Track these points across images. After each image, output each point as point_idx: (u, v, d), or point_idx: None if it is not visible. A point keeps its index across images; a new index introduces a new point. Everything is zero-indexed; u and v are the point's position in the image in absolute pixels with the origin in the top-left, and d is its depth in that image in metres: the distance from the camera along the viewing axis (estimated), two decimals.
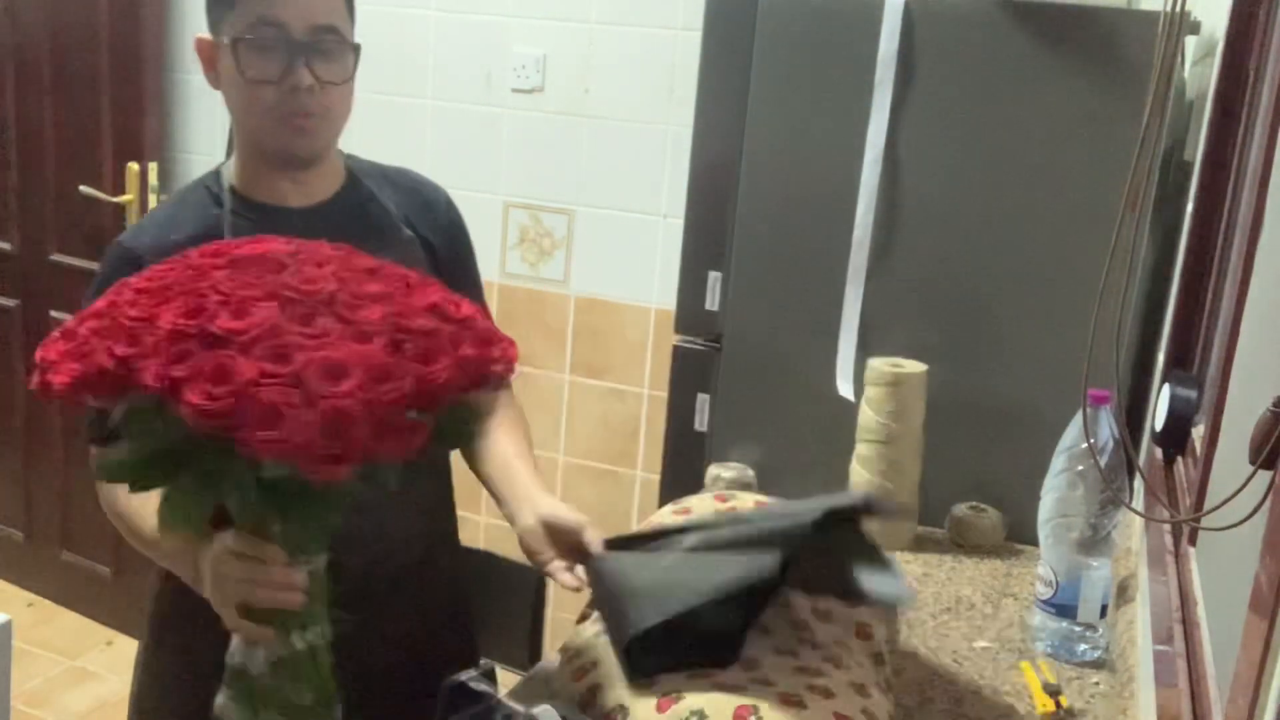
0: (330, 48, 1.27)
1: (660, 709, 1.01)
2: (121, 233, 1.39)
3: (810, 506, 1.12)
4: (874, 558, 1.14)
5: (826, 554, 1.13)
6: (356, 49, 1.30)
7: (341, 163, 1.41)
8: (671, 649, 1.07)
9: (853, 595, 1.14)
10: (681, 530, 1.20)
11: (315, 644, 0.99)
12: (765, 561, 1.06)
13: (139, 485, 0.95)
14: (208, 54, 1.31)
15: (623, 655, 1.09)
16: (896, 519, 1.21)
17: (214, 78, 1.32)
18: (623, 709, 1.04)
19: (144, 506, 1.19)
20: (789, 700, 1.01)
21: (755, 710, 0.99)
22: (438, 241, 1.44)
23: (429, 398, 0.89)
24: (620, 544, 1.23)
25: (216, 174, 1.37)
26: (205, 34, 1.31)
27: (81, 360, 0.88)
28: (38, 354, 0.94)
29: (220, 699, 1.00)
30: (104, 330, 0.89)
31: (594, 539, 1.22)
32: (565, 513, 1.26)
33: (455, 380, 0.90)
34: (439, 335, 0.91)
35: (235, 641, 1.01)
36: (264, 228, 1.24)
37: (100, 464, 0.98)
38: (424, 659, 1.38)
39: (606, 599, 1.17)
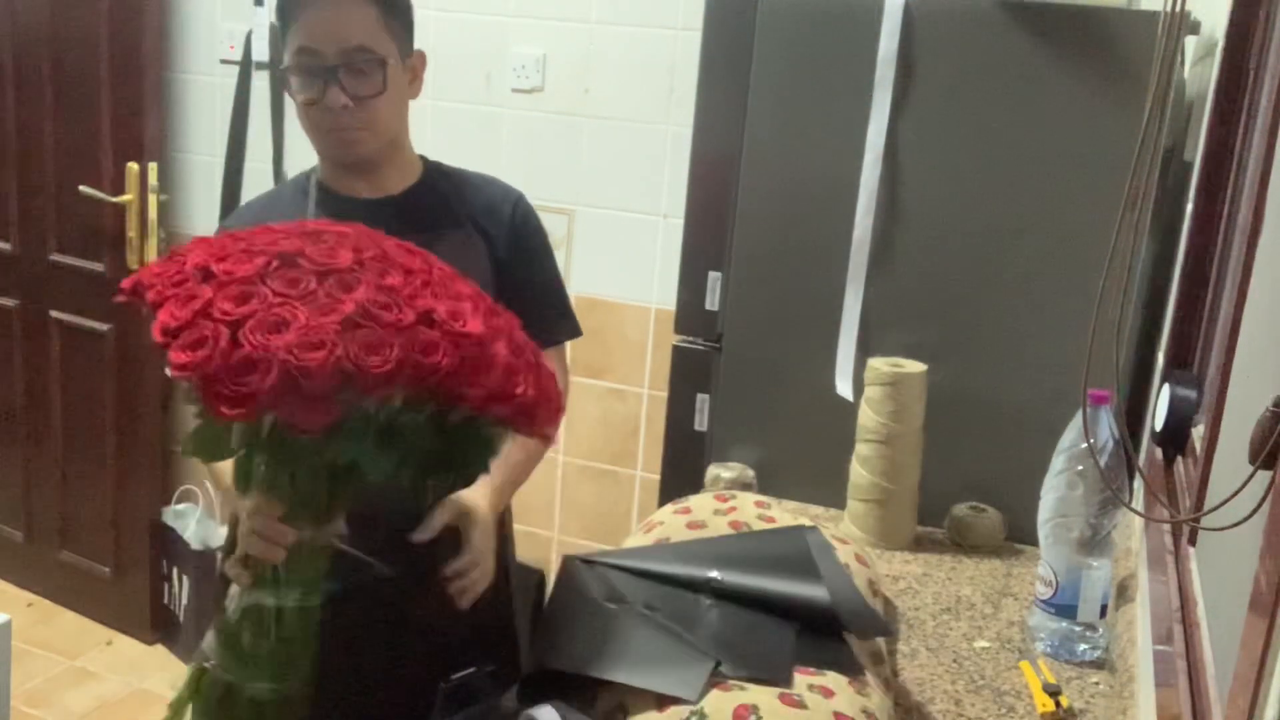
0: (362, 66, 1.38)
1: (660, 709, 1.01)
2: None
3: (790, 591, 1.15)
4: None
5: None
6: (387, 63, 1.40)
7: (419, 164, 1.54)
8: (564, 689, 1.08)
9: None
10: (665, 576, 1.19)
11: (285, 609, 1.04)
12: (690, 675, 1.04)
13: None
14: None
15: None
16: (872, 635, 1.20)
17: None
18: (622, 709, 1.04)
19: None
20: (789, 700, 1.01)
21: (755, 710, 0.99)
22: (500, 238, 1.54)
23: (362, 382, 0.92)
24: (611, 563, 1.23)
25: (311, 170, 1.52)
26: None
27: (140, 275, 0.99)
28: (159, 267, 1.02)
29: (208, 636, 1.07)
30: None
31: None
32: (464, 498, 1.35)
33: (395, 374, 0.93)
34: (402, 332, 0.94)
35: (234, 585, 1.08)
36: (338, 215, 1.36)
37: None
38: (457, 634, 1.40)
39: (549, 611, 1.18)
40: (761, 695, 1.01)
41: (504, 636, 1.58)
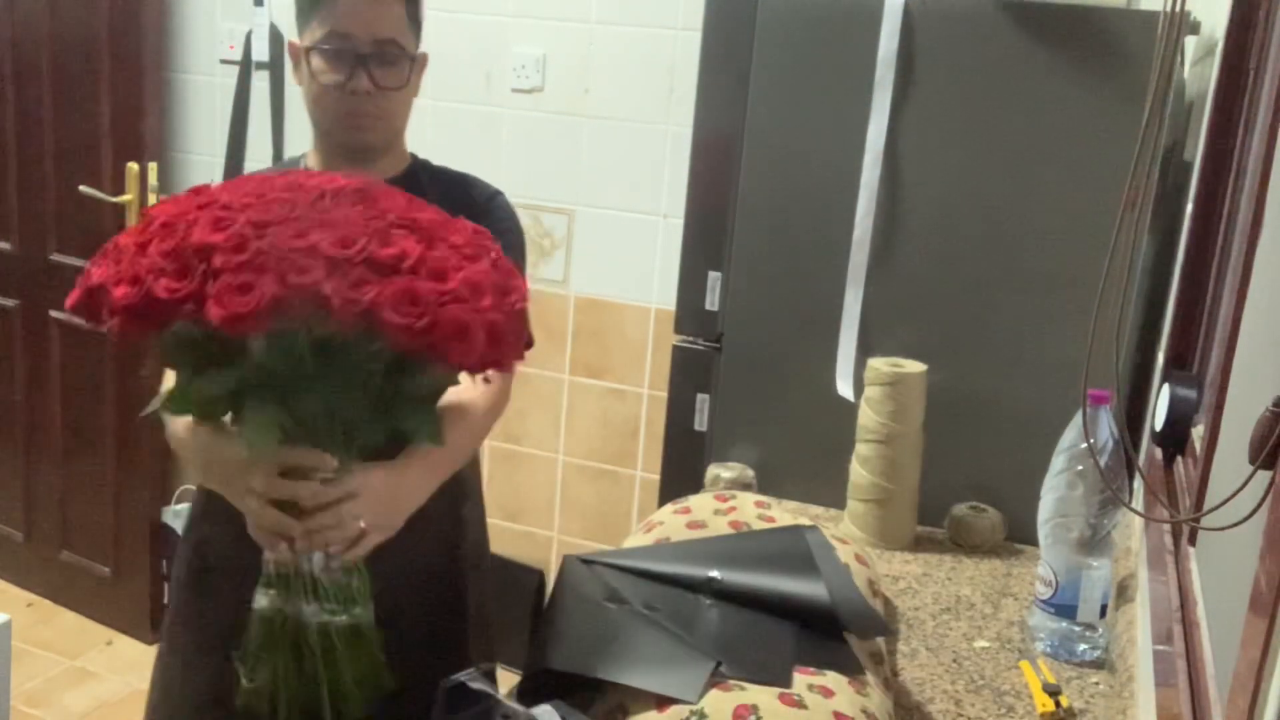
0: (391, 58, 1.43)
1: (660, 709, 1.01)
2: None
3: (791, 590, 1.15)
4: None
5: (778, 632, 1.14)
6: (414, 59, 1.46)
7: (408, 158, 1.57)
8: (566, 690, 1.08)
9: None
10: (664, 576, 1.19)
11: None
12: (690, 676, 1.04)
13: (214, 413, 1.11)
14: (295, 55, 1.47)
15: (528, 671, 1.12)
16: (872, 635, 1.19)
17: (298, 75, 1.48)
18: (623, 709, 1.04)
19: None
20: (789, 700, 1.01)
21: (755, 709, 0.99)
22: None
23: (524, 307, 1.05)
24: (609, 561, 1.23)
25: (300, 157, 1.55)
26: (294, 40, 1.48)
27: (246, 293, 0.94)
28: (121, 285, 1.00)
29: (265, 602, 1.09)
30: (250, 263, 0.95)
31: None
32: None
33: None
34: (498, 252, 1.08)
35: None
36: None
37: (176, 399, 1.09)
38: (405, 615, 1.36)
39: (550, 611, 1.18)
40: (761, 695, 1.01)
41: (454, 640, 1.53)
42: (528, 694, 1.08)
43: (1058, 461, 1.43)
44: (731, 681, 1.03)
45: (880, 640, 1.23)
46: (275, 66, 3.03)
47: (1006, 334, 1.79)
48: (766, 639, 1.11)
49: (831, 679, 1.06)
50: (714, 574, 1.17)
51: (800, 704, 1.00)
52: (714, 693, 1.01)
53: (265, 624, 1.09)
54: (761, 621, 1.13)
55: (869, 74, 1.78)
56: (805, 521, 1.32)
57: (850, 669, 1.09)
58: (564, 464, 3.01)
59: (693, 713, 0.99)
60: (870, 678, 1.11)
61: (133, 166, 3.00)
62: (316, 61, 1.42)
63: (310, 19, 1.43)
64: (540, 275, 2.93)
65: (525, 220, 3.05)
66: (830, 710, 1.01)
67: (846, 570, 1.24)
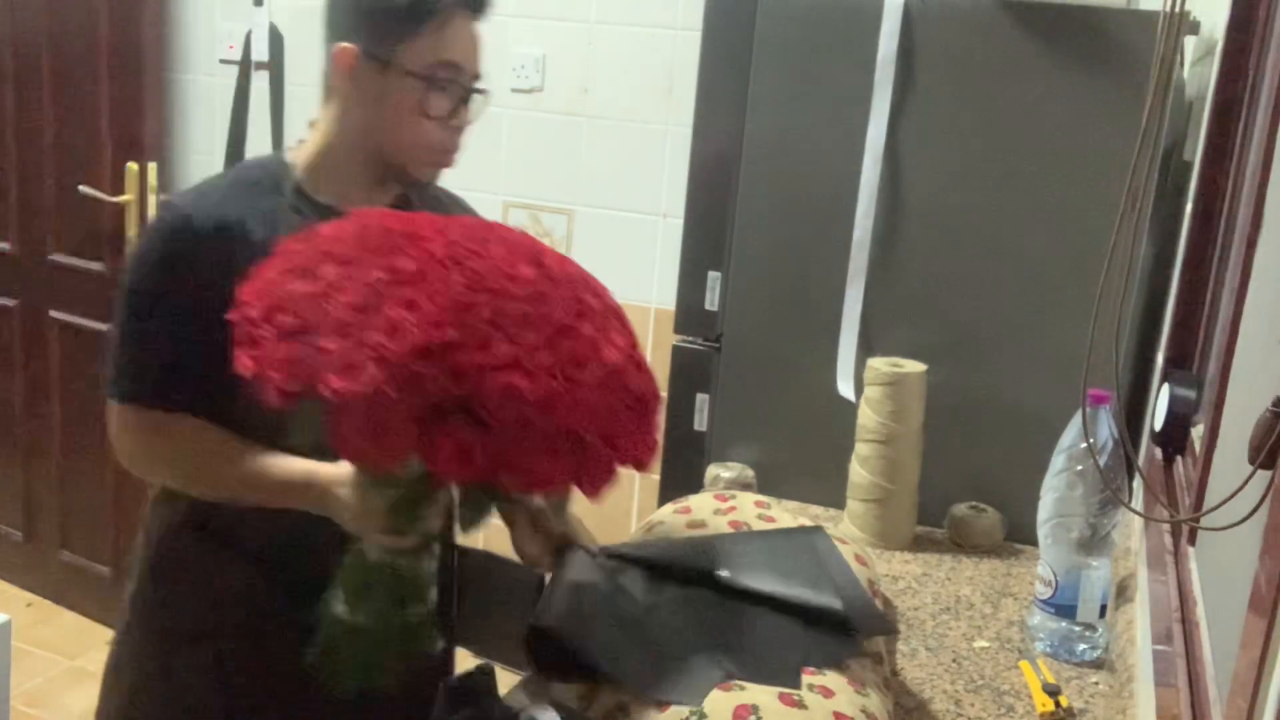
0: (478, 94, 1.35)
1: (660, 708, 1.01)
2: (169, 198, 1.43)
3: (796, 592, 1.15)
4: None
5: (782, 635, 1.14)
6: (487, 97, 1.36)
7: None
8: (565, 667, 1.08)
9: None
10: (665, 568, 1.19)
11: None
12: (698, 682, 1.04)
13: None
14: (350, 65, 1.30)
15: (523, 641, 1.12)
16: (875, 634, 1.19)
17: (352, 92, 1.31)
18: (622, 709, 1.04)
19: (226, 448, 1.30)
20: (789, 700, 1.01)
21: (755, 710, 0.99)
22: None
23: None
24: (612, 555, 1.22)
25: (281, 163, 1.36)
26: (347, 44, 1.29)
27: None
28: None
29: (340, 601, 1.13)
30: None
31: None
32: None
33: None
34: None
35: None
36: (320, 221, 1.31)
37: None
38: None
39: (548, 592, 1.18)
40: (761, 695, 1.01)
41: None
42: (528, 694, 1.08)
43: (1058, 461, 1.43)
44: (731, 681, 1.03)
45: (880, 640, 1.23)
46: (275, 66, 3.03)
47: (1006, 334, 1.79)
48: (775, 640, 1.11)
49: (831, 679, 1.06)
50: (722, 573, 1.17)
51: (800, 704, 1.00)
52: (714, 692, 1.01)
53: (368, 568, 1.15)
54: (769, 622, 1.13)
55: (869, 74, 1.78)
56: (806, 522, 1.32)
57: (850, 669, 1.09)
58: None
59: (693, 713, 0.99)
60: (870, 677, 1.11)
61: (132, 166, 3.00)
62: (426, 91, 1.29)
63: (410, 36, 1.28)
64: None
65: (524, 220, 3.04)
66: (830, 710, 1.01)
67: (850, 571, 1.24)
